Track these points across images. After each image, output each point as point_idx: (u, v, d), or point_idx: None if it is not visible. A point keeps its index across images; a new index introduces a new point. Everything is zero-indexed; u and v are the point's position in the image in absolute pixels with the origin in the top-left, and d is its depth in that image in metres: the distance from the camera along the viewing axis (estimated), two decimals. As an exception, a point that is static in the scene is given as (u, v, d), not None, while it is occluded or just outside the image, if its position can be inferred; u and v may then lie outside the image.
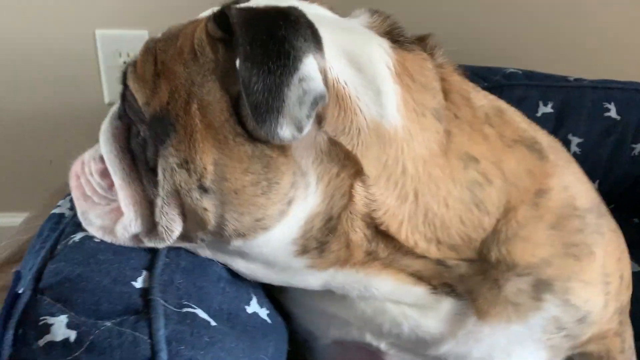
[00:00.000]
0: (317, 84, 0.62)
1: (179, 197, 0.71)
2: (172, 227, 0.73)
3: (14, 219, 1.92)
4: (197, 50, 0.70)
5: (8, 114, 2.01)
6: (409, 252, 0.74)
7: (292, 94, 0.62)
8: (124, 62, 1.90)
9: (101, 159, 0.78)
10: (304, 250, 0.73)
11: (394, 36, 0.75)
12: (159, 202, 0.73)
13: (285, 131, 0.62)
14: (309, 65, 0.63)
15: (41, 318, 0.64)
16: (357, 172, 0.69)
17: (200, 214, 0.71)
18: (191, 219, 0.72)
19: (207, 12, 0.77)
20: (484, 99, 0.81)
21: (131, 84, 0.73)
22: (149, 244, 0.76)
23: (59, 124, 2.02)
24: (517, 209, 0.75)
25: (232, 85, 0.68)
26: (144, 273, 0.71)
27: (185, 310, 0.69)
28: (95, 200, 0.78)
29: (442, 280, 0.77)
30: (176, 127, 0.69)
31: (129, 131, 0.75)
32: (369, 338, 0.86)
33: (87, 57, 1.90)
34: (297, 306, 0.88)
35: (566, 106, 1.37)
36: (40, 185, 2.04)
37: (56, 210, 0.90)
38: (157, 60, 0.72)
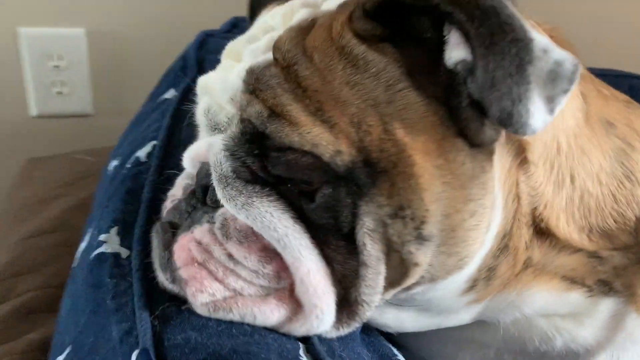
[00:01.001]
0: (560, 52, 0.52)
1: (386, 259, 0.57)
2: (374, 300, 0.58)
3: None
4: (355, 61, 0.56)
5: None
6: (563, 247, 0.66)
7: (539, 70, 0.50)
8: (55, 66, 1.62)
9: (240, 235, 0.58)
10: (472, 286, 0.64)
11: None
12: (364, 273, 0.56)
13: (538, 118, 0.50)
14: (537, 34, 0.51)
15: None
16: (522, 161, 0.62)
17: (407, 269, 0.57)
18: (388, 280, 0.59)
19: (302, 13, 0.62)
20: None
21: (295, 138, 0.54)
22: (330, 334, 0.59)
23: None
24: None
25: (429, 88, 0.55)
26: (301, 345, 0.59)
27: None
28: (249, 292, 0.57)
29: (597, 277, 0.69)
30: (384, 166, 0.54)
31: (284, 196, 0.58)
32: (506, 358, 0.75)
33: (7, 60, 1.59)
34: (415, 336, 0.76)
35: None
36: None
37: (104, 249, 0.69)
38: (300, 94, 0.56)
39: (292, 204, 0.57)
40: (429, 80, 0.55)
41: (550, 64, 0.51)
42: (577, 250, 0.67)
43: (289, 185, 0.57)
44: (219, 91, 0.62)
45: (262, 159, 0.57)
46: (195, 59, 1.09)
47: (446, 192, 0.56)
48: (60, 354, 0.64)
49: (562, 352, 0.72)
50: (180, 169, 0.82)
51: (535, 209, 0.63)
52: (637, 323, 0.70)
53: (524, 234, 0.64)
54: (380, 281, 0.57)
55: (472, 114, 0.55)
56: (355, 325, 0.59)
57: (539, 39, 0.51)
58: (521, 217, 0.63)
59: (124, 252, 0.68)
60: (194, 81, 1.02)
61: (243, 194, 0.57)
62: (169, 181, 0.81)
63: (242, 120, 0.58)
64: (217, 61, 1.13)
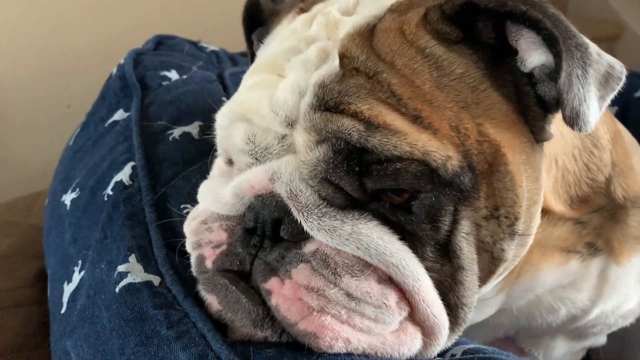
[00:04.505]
0: (609, 56, 0.57)
1: (478, 261, 0.57)
2: (474, 301, 0.57)
3: None
4: (438, 63, 0.56)
5: None
6: (557, 221, 0.72)
7: (597, 72, 0.54)
8: None
9: (354, 270, 0.52)
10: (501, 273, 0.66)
11: None
12: (462, 276, 0.56)
13: (594, 116, 0.54)
14: (587, 39, 0.55)
15: None
16: None
17: (495, 267, 0.58)
18: None
19: (349, 21, 0.60)
20: None
21: (405, 147, 0.52)
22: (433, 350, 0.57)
23: None
24: (615, 142, 0.77)
25: (501, 87, 0.57)
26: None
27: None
28: (378, 331, 0.53)
29: (583, 241, 0.76)
30: (481, 168, 0.55)
31: (378, 216, 0.54)
32: (512, 333, 0.82)
33: None
34: None
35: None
36: None
37: (131, 280, 0.62)
38: (395, 103, 0.53)
39: (387, 222, 0.53)
40: (499, 82, 0.57)
41: (605, 67, 0.55)
42: (566, 220, 0.72)
43: (381, 202, 0.53)
44: (264, 113, 0.56)
45: (361, 176, 0.52)
46: (135, 77, 1.01)
47: (528, 185, 0.58)
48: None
49: (565, 318, 0.78)
50: (178, 188, 0.75)
51: None
52: (616, 274, 0.78)
53: None
54: (476, 281, 0.57)
55: (539, 112, 0.58)
56: (461, 331, 0.57)
57: (592, 43, 0.55)
58: None
59: (155, 280, 0.60)
60: (144, 99, 0.97)
61: (346, 222, 0.52)
62: (165, 199, 0.74)
63: (324, 140, 0.53)
64: (160, 77, 1.07)
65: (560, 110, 0.57)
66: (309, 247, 0.53)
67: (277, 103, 0.55)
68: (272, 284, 0.52)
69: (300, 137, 0.54)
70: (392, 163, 0.51)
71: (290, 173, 0.54)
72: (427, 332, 0.54)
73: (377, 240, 0.52)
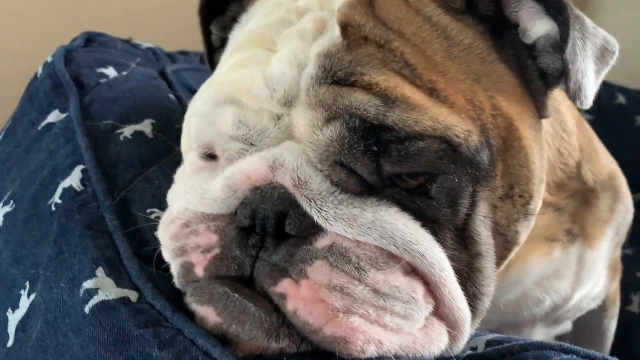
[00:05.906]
0: (602, 30, 0.56)
1: (496, 246, 0.53)
2: (491, 290, 0.53)
3: None
4: (446, 32, 0.52)
5: None
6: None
7: (594, 45, 0.52)
8: None
9: (379, 263, 0.46)
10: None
11: None
12: (481, 264, 0.51)
13: (592, 91, 0.52)
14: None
15: None
16: None
17: (508, 251, 0.55)
18: None
19: None
20: None
21: (427, 122, 0.46)
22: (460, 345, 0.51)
23: None
24: (579, 126, 0.77)
25: (506, 61, 0.54)
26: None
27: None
28: (409, 329, 0.46)
29: (562, 228, 0.75)
30: (496, 144, 0.51)
31: (396, 202, 0.48)
32: (496, 327, 0.78)
33: None
34: None
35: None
36: None
37: (104, 297, 0.52)
38: (409, 74, 0.48)
39: (405, 208, 0.48)
40: (502, 55, 0.54)
41: (601, 40, 0.53)
42: (546, 207, 0.71)
43: (396, 188, 0.48)
44: (258, 90, 0.49)
45: (378, 157, 0.46)
46: (69, 74, 0.90)
47: (539, 158, 0.55)
48: None
49: (548, 309, 0.77)
50: (139, 191, 0.66)
51: None
52: (591, 258, 0.77)
53: None
54: (494, 268, 0.52)
55: (541, 86, 0.55)
56: (479, 322, 0.53)
57: (585, 16, 0.53)
58: None
59: (132, 295, 0.51)
60: (82, 98, 0.86)
61: (366, 210, 0.46)
62: (127, 204, 0.65)
63: (335, 118, 0.46)
64: (96, 75, 0.96)
65: (560, 85, 0.55)
66: (322, 242, 0.46)
67: (273, 78, 0.48)
68: (285, 286, 0.45)
69: (303, 116, 0.48)
70: (413, 141, 0.46)
71: (295, 158, 0.47)
72: (452, 327, 0.49)
73: (402, 228, 0.46)
